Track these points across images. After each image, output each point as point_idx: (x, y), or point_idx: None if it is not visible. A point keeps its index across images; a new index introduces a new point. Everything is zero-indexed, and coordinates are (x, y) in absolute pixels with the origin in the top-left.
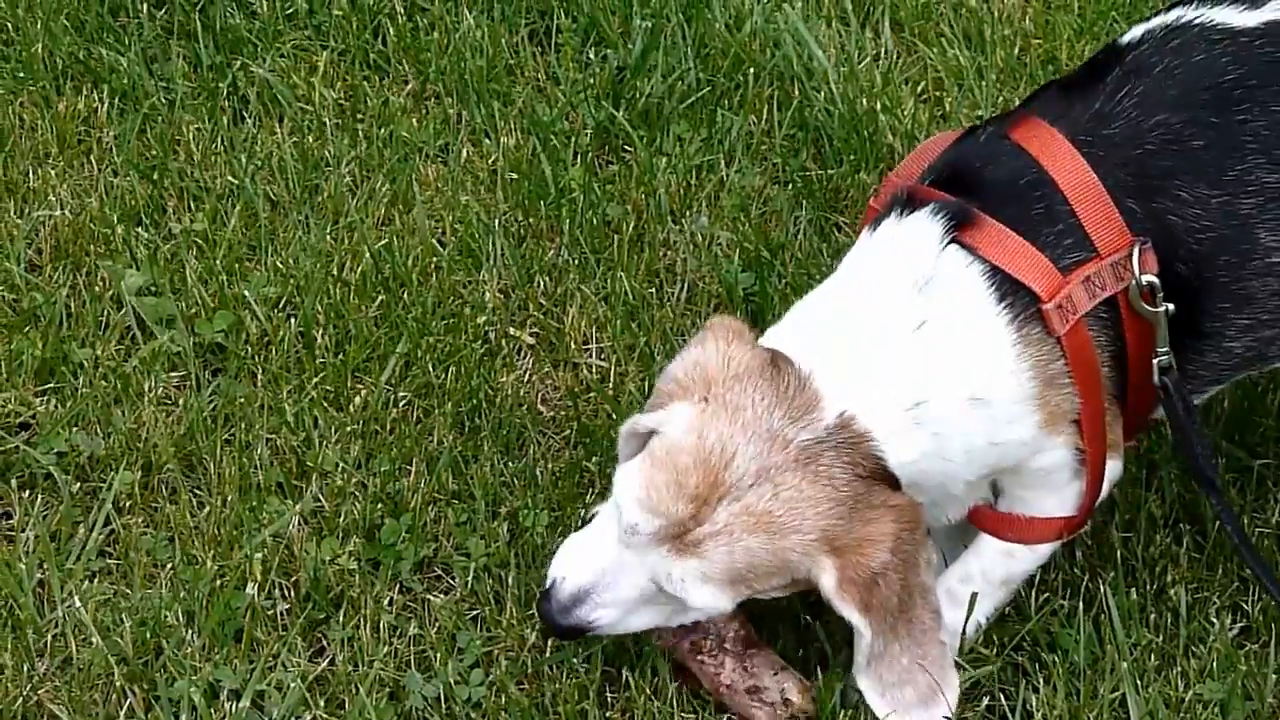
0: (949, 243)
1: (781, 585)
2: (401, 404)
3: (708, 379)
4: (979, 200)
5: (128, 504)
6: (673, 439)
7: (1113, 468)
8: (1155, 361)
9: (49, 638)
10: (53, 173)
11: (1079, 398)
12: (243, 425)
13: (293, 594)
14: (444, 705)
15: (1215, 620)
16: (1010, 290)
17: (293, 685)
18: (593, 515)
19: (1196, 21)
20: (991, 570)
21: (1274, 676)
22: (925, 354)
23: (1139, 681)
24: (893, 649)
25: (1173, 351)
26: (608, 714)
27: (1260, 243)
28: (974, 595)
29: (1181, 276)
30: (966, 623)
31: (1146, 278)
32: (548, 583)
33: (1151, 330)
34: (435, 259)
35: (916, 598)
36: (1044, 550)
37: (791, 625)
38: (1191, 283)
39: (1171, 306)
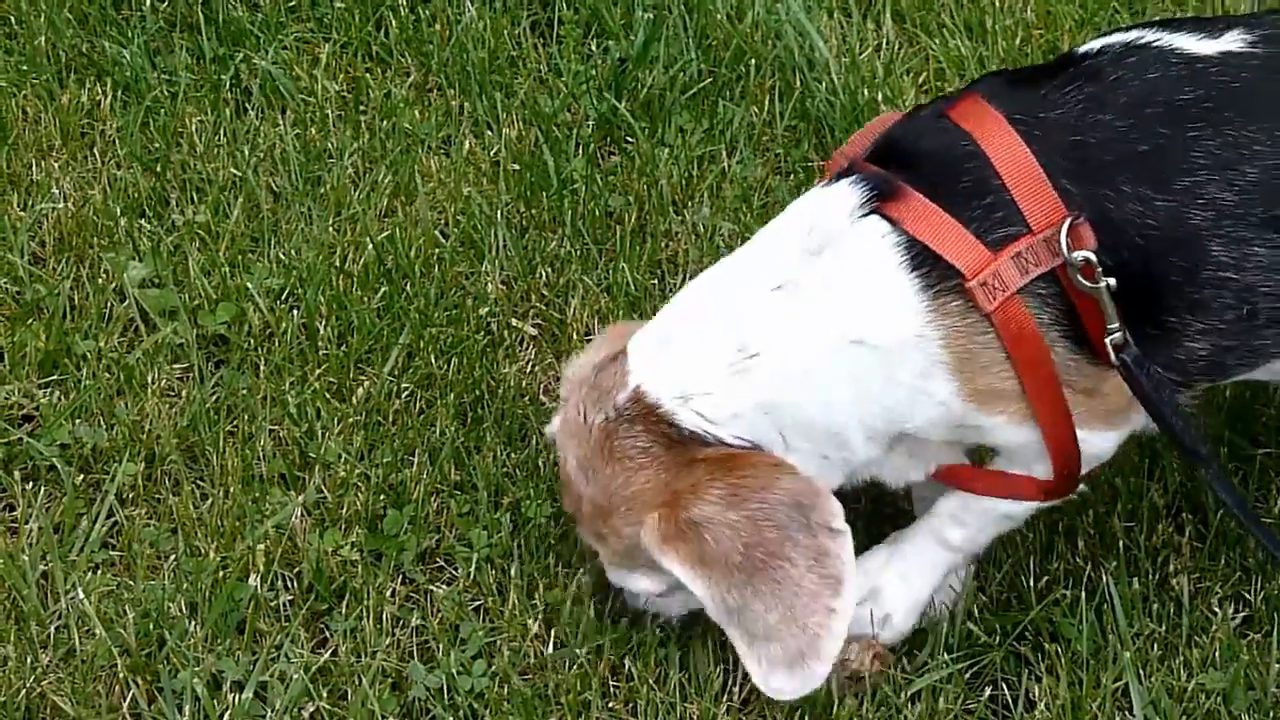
0: (869, 213)
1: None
2: (404, 395)
3: (563, 392)
4: (912, 175)
5: (131, 495)
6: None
7: (1101, 440)
8: (1108, 340)
9: (52, 629)
10: (56, 165)
11: (1019, 370)
12: (245, 417)
13: (295, 585)
14: (447, 696)
15: (1218, 609)
16: (927, 261)
17: (295, 676)
18: None
19: (1156, 43)
20: (994, 505)
21: (1276, 666)
22: (777, 309)
23: (1141, 671)
24: (755, 606)
25: (1139, 344)
26: (610, 705)
27: (1212, 256)
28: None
29: (1128, 264)
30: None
31: (1080, 254)
32: None
33: (1099, 309)
34: (438, 250)
35: (788, 558)
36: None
37: None
38: (1141, 274)
39: (1112, 282)
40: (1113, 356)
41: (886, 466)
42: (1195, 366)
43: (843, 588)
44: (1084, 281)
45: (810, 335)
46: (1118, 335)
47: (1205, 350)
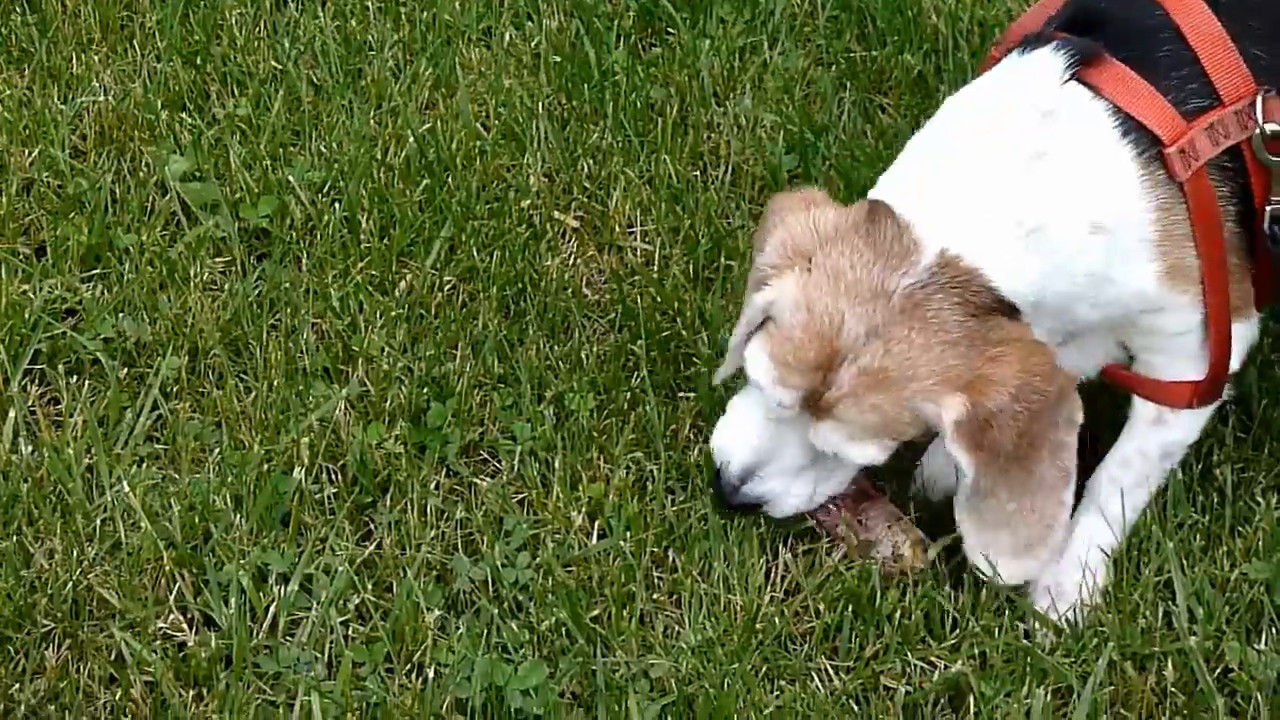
0: (1071, 78)
1: (918, 432)
2: (446, 288)
3: (802, 251)
4: (1109, 44)
5: (175, 389)
6: (783, 316)
7: (1244, 330)
8: (1269, 209)
9: (98, 522)
10: (96, 59)
11: (1200, 245)
12: (288, 310)
13: (339, 478)
14: (491, 588)
15: (1261, 500)
16: (1133, 129)
17: (340, 569)
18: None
19: None
20: (1146, 445)
21: None
22: (1044, 181)
23: (1184, 561)
24: (999, 493)
25: None
26: (655, 596)
27: None
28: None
29: None
30: (1125, 508)
31: (1271, 126)
32: (717, 467)
33: (1271, 182)
34: (479, 143)
35: (1042, 450)
36: (1189, 417)
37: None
38: None
39: None
40: (1267, 225)
41: (1064, 351)
42: None
43: (1071, 480)
44: (1269, 155)
45: (1069, 215)
46: (1278, 206)
47: None
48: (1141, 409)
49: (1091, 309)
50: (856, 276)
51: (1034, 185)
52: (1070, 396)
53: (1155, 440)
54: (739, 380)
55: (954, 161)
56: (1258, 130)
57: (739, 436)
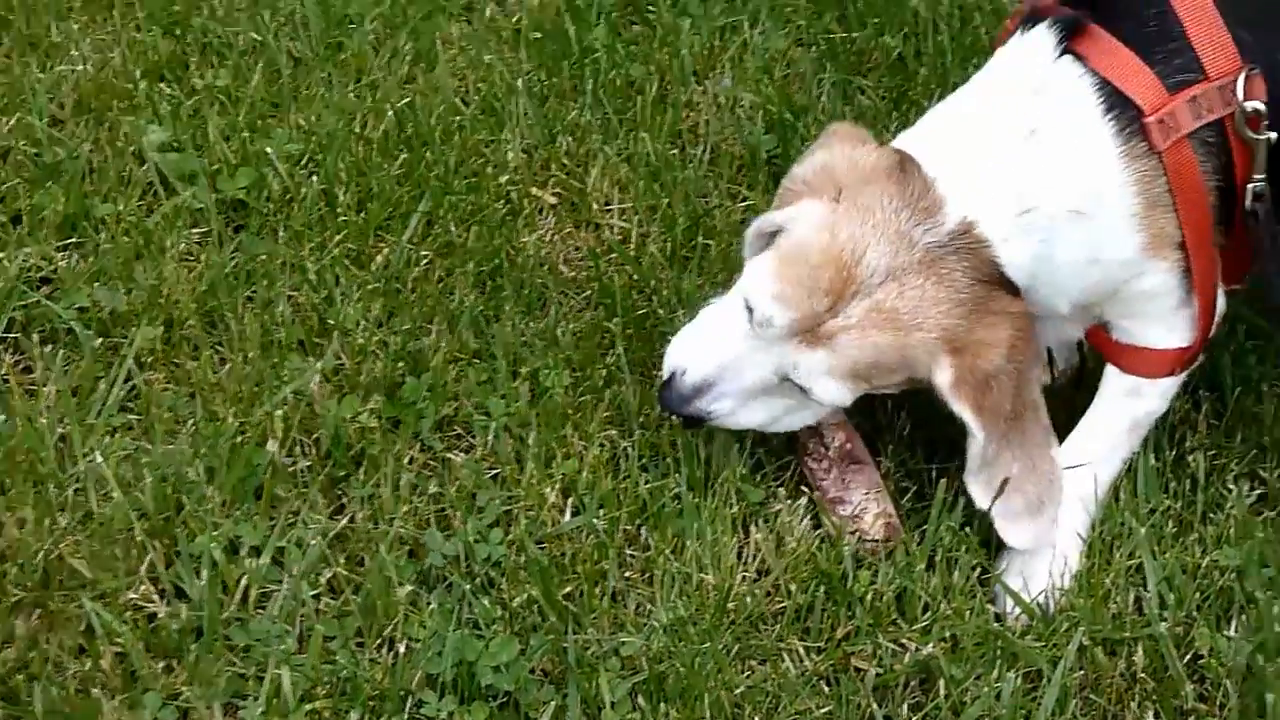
0: (1062, 53)
1: (898, 382)
2: (423, 263)
3: (836, 180)
4: (1101, 17)
5: (149, 360)
6: (804, 236)
7: (1222, 299)
8: (1250, 187)
9: (70, 492)
10: (75, 27)
11: (1181, 218)
12: (264, 282)
13: (313, 451)
14: (463, 564)
15: (1233, 487)
16: (1118, 103)
17: (313, 542)
18: (707, 305)
19: None
20: (1117, 418)
21: None
22: (1035, 161)
23: (1156, 547)
24: (1004, 456)
25: (1271, 187)
26: (627, 574)
27: None
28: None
29: None
30: (1099, 481)
31: (1252, 104)
32: (667, 373)
33: (1252, 160)
34: (458, 118)
35: (1027, 409)
36: (1166, 386)
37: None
38: None
39: (1275, 135)
40: (1249, 203)
41: (1051, 332)
42: None
43: (1052, 434)
44: (1249, 132)
45: (1055, 198)
46: (1261, 186)
47: None
48: (1116, 381)
49: (1072, 305)
50: (884, 218)
51: (1029, 164)
52: (1037, 357)
53: (1127, 411)
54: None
55: (970, 133)
56: (1239, 107)
57: (703, 347)
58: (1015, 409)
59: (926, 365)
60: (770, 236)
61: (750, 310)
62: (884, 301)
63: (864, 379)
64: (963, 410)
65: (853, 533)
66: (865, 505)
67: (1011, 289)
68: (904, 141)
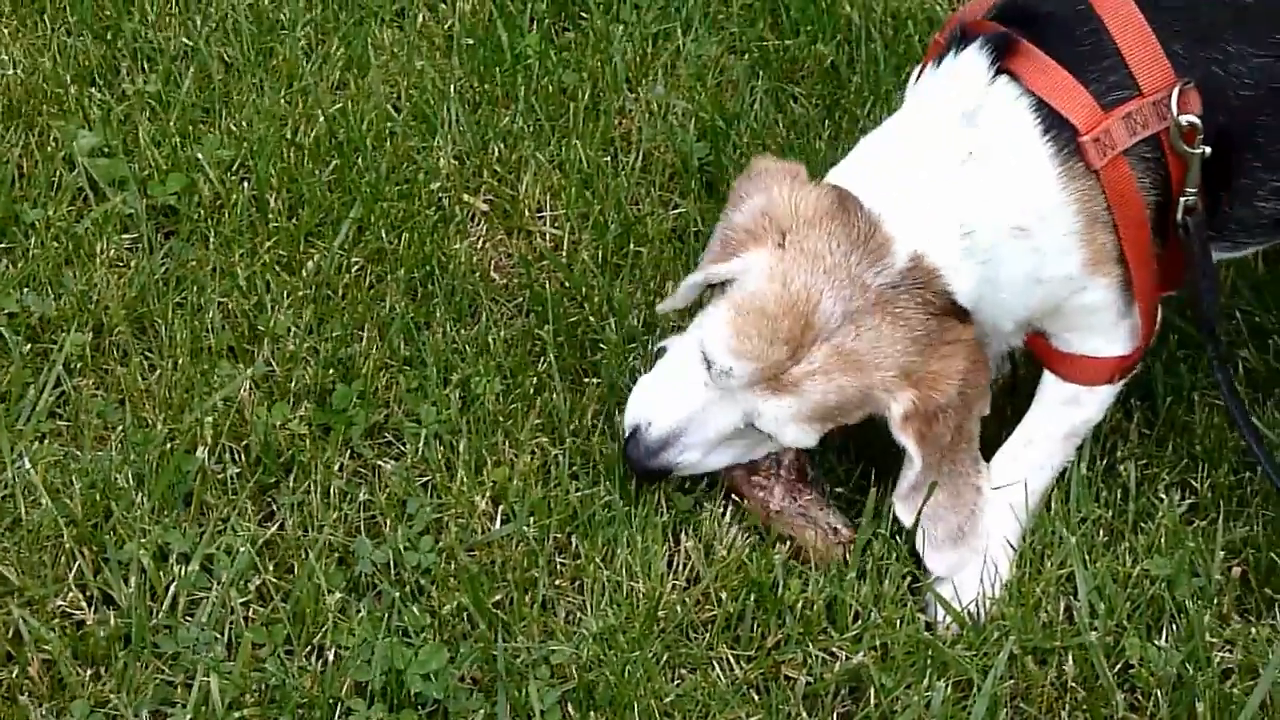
0: (997, 73)
1: (858, 418)
2: (354, 269)
3: (779, 225)
4: (1034, 36)
5: (78, 365)
6: (757, 287)
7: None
8: (1181, 200)
9: None
10: (5, 31)
11: (1120, 234)
12: (194, 288)
13: (243, 458)
14: (393, 571)
15: (1164, 496)
16: (1055, 123)
17: (242, 549)
18: (659, 352)
19: None
20: (1053, 426)
21: (1221, 553)
22: (974, 184)
23: (1087, 557)
24: (931, 484)
25: (1205, 202)
26: (558, 582)
27: None
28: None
29: (1220, 126)
30: (1029, 491)
31: (1187, 118)
32: (629, 428)
33: (1186, 173)
34: (390, 124)
35: (963, 441)
36: (1104, 395)
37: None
38: (1228, 134)
39: (1209, 149)
40: (1179, 217)
41: (991, 343)
42: (1259, 223)
43: (982, 466)
44: (1184, 146)
45: (994, 219)
46: (1193, 199)
47: (1271, 210)
48: (1055, 389)
49: (1017, 323)
50: (835, 262)
51: (966, 188)
52: (987, 390)
53: (1065, 419)
54: (647, 355)
55: (906, 162)
56: (1173, 121)
57: (665, 400)
58: (953, 439)
59: (885, 401)
60: (712, 286)
61: (710, 362)
62: (843, 344)
63: (829, 420)
64: (907, 441)
65: (836, 543)
66: (828, 517)
67: (962, 315)
68: (840, 176)
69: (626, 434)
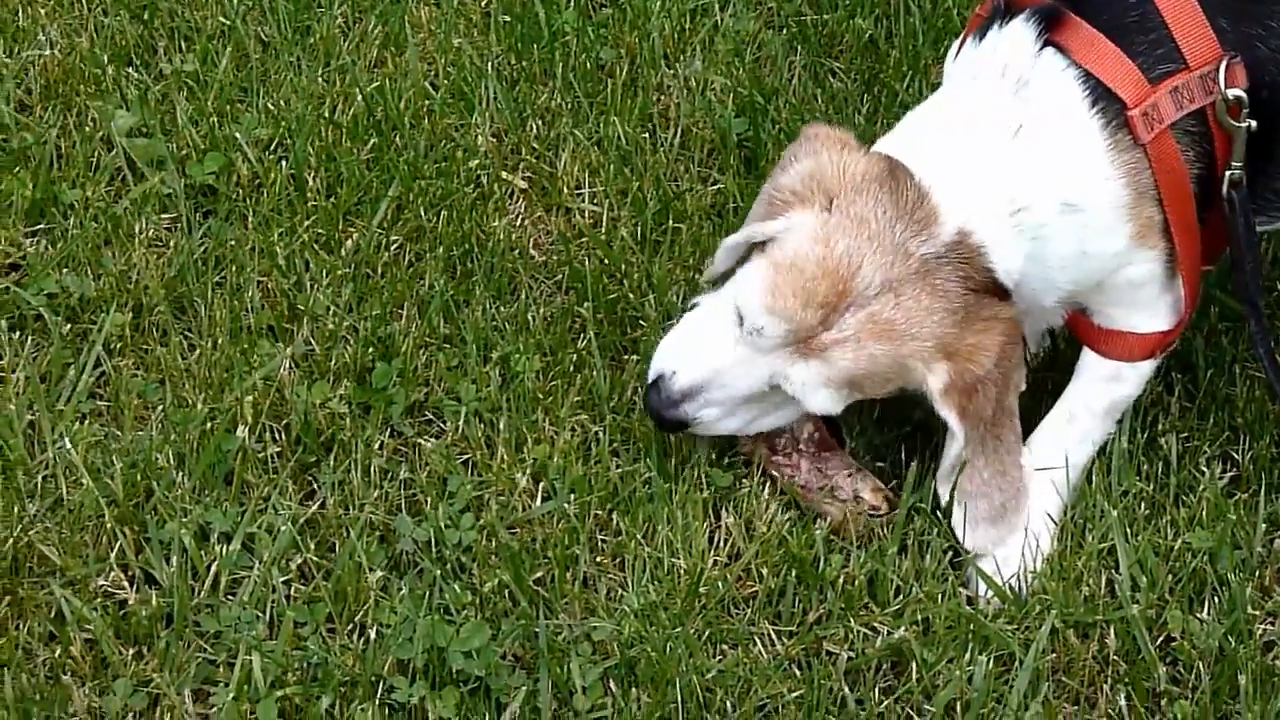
0: (1044, 45)
1: (888, 390)
2: (393, 248)
3: (826, 189)
4: (1079, 8)
5: (118, 346)
6: (797, 247)
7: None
8: (1227, 174)
9: (39, 479)
10: (42, 11)
11: (1166, 207)
12: (234, 268)
13: (283, 437)
14: (434, 549)
15: (1205, 469)
16: (1102, 95)
17: (283, 528)
18: (691, 307)
19: None
20: (1094, 401)
21: (1263, 525)
22: (1024, 159)
23: (1128, 530)
24: (977, 461)
25: (1250, 177)
26: (599, 559)
27: None
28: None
29: (1263, 101)
30: (1069, 465)
31: (1234, 92)
32: (654, 375)
33: (1231, 147)
34: (428, 102)
35: (1005, 416)
36: (1145, 370)
37: (867, 430)
38: (1271, 108)
39: (1254, 124)
40: (1225, 190)
41: (1030, 321)
42: None
43: (1021, 445)
44: (1230, 120)
45: (1045, 195)
46: (1238, 173)
47: None
48: (1096, 365)
49: (1060, 298)
50: (879, 229)
51: (1017, 163)
52: (1022, 364)
53: (1105, 395)
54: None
55: (956, 134)
56: (1220, 95)
57: (695, 352)
58: (994, 415)
59: (920, 373)
60: (752, 246)
61: (741, 319)
62: (879, 313)
63: (857, 388)
64: (949, 415)
65: (859, 514)
66: (855, 486)
67: (1001, 292)
68: (890, 145)
69: (650, 380)
